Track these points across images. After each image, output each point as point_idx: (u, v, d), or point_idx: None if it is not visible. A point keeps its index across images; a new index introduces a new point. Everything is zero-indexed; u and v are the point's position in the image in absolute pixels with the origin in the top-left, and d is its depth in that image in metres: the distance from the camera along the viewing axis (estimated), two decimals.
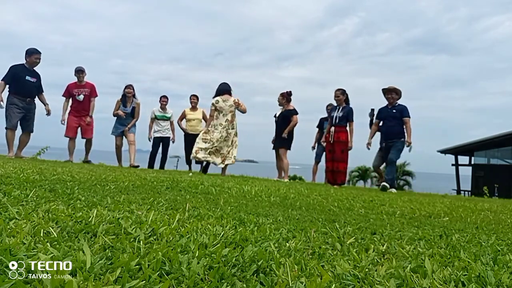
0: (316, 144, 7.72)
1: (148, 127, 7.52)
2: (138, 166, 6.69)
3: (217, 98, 6.10)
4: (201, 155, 6.03)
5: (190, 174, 5.62)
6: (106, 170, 4.46)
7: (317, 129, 7.86)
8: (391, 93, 6.35)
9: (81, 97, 6.72)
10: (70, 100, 6.82)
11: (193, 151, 6.10)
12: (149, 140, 7.51)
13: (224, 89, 6.17)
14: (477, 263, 1.22)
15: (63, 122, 6.81)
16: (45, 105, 6.54)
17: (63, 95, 6.84)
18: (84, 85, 6.80)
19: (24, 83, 6.12)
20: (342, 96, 6.47)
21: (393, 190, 5.99)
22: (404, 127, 6.25)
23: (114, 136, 7.16)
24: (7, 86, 6.10)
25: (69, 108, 6.84)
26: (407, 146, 6.21)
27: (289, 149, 6.95)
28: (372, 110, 7.33)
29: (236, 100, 6.11)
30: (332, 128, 6.44)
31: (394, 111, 6.29)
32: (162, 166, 7.52)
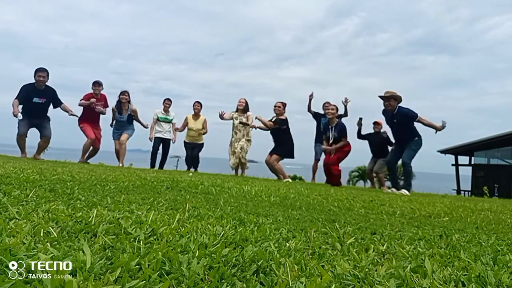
0: (315, 144, 7.72)
1: (150, 128, 7.55)
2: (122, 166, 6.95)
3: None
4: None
5: (190, 174, 5.63)
6: (106, 170, 4.46)
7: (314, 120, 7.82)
8: (389, 100, 5.93)
9: (98, 108, 6.89)
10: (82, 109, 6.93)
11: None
12: (150, 141, 7.55)
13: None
14: (477, 263, 1.22)
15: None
16: (68, 112, 6.60)
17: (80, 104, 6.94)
18: (99, 98, 6.95)
19: (31, 105, 6.15)
20: (333, 111, 6.54)
21: (406, 192, 5.72)
22: (422, 124, 5.87)
23: (114, 140, 7.30)
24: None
25: (78, 114, 6.90)
26: (443, 127, 5.76)
27: (282, 156, 7.01)
28: (360, 119, 7.42)
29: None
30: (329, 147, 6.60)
31: (395, 120, 5.96)
32: (161, 166, 7.58)
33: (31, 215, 1.36)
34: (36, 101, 6.16)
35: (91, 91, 6.92)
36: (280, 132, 6.84)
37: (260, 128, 7.08)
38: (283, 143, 6.92)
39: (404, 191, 5.75)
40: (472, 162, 22.63)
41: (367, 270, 1.07)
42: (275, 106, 6.93)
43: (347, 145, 6.56)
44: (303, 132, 8.01)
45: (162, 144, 7.55)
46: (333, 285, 0.94)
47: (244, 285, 0.90)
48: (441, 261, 1.24)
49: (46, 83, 6.28)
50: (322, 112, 7.60)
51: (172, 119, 7.63)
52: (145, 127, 7.42)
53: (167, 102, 7.59)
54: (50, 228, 1.19)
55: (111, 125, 7.26)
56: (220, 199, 2.54)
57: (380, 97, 6.01)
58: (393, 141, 6.50)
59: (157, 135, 7.53)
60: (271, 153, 6.98)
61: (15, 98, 6.07)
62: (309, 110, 7.77)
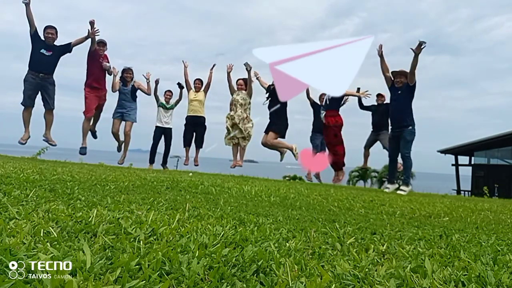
0: (313, 134, 7.59)
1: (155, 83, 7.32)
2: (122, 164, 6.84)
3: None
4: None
5: (190, 174, 5.63)
6: (106, 170, 4.46)
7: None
8: (401, 77, 5.84)
9: (105, 64, 6.64)
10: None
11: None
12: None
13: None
14: (477, 263, 1.22)
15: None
16: (86, 35, 6.30)
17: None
18: (103, 57, 6.73)
19: (37, 55, 6.02)
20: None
21: (405, 190, 5.62)
22: (412, 62, 5.56)
23: (115, 120, 6.98)
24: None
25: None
26: (421, 46, 5.41)
27: (278, 134, 6.72)
28: (358, 89, 7.24)
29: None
30: (324, 113, 6.44)
31: (399, 92, 5.82)
32: (165, 159, 7.44)
33: (31, 215, 1.36)
34: (43, 52, 6.07)
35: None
36: (279, 110, 6.65)
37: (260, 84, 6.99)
38: (278, 122, 6.69)
39: (402, 191, 5.66)
40: (472, 162, 22.63)
41: (367, 270, 1.07)
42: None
43: (339, 116, 6.45)
44: (303, 132, 7.95)
45: (164, 134, 7.42)
46: (333, 285, 0.94)
47: (244, 285, 0.90)
48: (441, 261, 1.23)
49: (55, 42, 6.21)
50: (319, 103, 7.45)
51: (172, 106, 7.53)
52: (148, 80, 7.10)
53: (168, 94, 7.50)
54: (50, 228, 1.19)
55: (113, 90, 6.90)
56: (220, 199, 2.54)
57: (393, 72, 6.00)
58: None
59: (158, 124, 7.46)
60: (266, 132, 6.82)
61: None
62: (308, 97, 7.54)
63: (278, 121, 6.69)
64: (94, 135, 7.11)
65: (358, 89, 7.18)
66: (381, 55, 6.11)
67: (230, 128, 6.93)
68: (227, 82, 7.05)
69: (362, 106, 7.30)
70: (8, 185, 2.11)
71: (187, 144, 7.44)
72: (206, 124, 7.47)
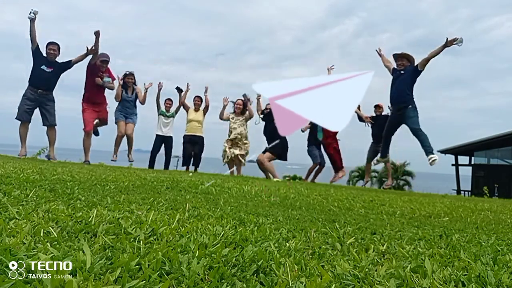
0: (309, 147, 7.65)
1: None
2: (132, 161, 6.89)
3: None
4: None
5: (190, 174, 5.63)
6: (106, 170, 4.46)
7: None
8: (402, 59, 5.88)
9: (105, 82, 6.51)
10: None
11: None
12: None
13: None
14: (477, 263, 1.22)
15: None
16: (92, 47, 6.14)
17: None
18: (105, 71, 6.60)
19: (37, 71, 5.98)
20: None
21: (435, 157, 5.49)
22: (435, 51, 5.45)
23: (119, 121, 6.90)
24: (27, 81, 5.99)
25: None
26: (454, 42, 5.24)
27: (275, 156, 6.98)
28: (358, 106, 7.34)
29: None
30: (321, 129, 6.73)
31: (402, 72, 5.80)
32: (166, 166, 7.50)
33: (31, 215, 1.36)
34: (44, 68, 6.02)
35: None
36: (275, 131, 6.78)
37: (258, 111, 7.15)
38: (277, 145, 6.90)
39: (431, 156, 5.47)
40: (472, 162, 22.64)
41: (367, 270, 1.07)
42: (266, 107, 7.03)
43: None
44: (302, 132, 7.97)
45: (164, 143, 7.45)
46: (333, 285, 0.94)
47: (244, 285, 0.90)
48: (441, 261, 1.23)
49: (57, 59, 6.17)
50: None
51: (172, 114, 7.51)
52: (146, 90, 7.08)
53: (168, 103, 7.49)
54: (50, 228, 1.19)
55: (116, 99, 6.88)
56: (220, 199, 2.55)
57: (394, 55, 6.04)
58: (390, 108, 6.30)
59: (158, 132, 7.47)
60: (264, 152, 7.00)
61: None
62: None
63: (279, 144, 6.88)
64: (96, 133, 7.09)
65: (358, 106, 7.31)
66: (380, 55, 6.23)
67: (228, 150, 7.07)
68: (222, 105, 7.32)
69: (361, 119, 7.45)
70: (8, 185, 2.11)
71: (186, 164, 7.49)
72: (204, 143, 7.53)
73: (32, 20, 5.85)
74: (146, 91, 7.08)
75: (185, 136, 7.46)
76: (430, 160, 5.51)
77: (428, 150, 5.64)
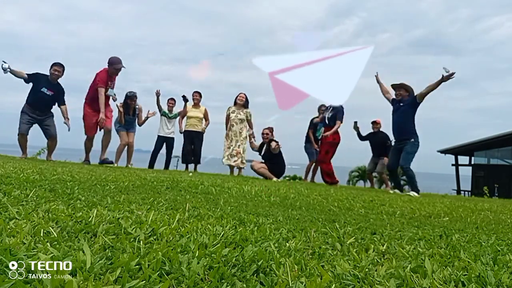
0: (306, 144, 7.71)
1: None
2: (132, 164, 6.95)
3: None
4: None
5: (190, 174, 5.63)
6: (106, 170, 4.46)
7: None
8: (400, 89, 6.02)
9: (110, 94, 6.44)
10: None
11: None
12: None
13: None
14: (477, 263, 1.22)
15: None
16: (64, 118, 6.24)
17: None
18: (113, 79, 6.53)
19: (37, 94, 5.99)
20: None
21: (414, 194, 5.55)
22: (432, 85, 5.55)
23: (120, 131, 6.98)
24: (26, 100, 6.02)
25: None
26: (447, 72, 5.32)
27: (272, 172, 7.07)
28: (355, 123, 7.49)
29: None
30: (322, 129, 6.73)
31: (401, 104, 5.89)
32: (166, 167, 7.51)
33: (31, 215, 1.36)
34: (44, 91, 6.02)
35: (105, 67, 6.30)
36: (273, 155, 6.96)
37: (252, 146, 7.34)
38: (275, 167, 7.04)
39: (413, 193, 5.59)
40: (472, 162, 22.64)
41: (367, 270, 1.07)
42: (262, 134, 7.15)
43: (337, 133, 6.63)
44: (303, 132, 7.98)
45: (166, 143, 7.46)
46: (333, 285, 0.94)
47: (244, 285, 0.90)
48: (441, 261, 1.23)
49: (59, 80, 6.18)
50: (316, 114, 7.60)
51: (175, 115, 7.52)
52: (147, 117, 7.24)
53: (171, 102, 7.49)
54: (50, 228, 1.19)
55: (119, 121, 6.96)
56: (220, 199, 2.54)
57: (392, 85, 6.17)
58: (392, 139, 6.47)
59: (160, 133, 7.47)
60: (261, 162, 7.16)
61: (26, 73, 5.94)
62: None
63: (276, 166, 7.01)
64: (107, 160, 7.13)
65: (355, 122, 7.47)
66: (378, 81, 6.35)
67: (224, 162, 7.10)
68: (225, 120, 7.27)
69: (361, 137, 7.63)
70: (8, 185, 2.11)
71: (186, 161, 7.48)
72: (203, 134, 7.54)
73: (6, 71, 5.80)
74: (147, 119, 7.26)
75: (184, 131, 7.47)
76: (411, 194, 5.59)
77: (412, 188, 5.91)
